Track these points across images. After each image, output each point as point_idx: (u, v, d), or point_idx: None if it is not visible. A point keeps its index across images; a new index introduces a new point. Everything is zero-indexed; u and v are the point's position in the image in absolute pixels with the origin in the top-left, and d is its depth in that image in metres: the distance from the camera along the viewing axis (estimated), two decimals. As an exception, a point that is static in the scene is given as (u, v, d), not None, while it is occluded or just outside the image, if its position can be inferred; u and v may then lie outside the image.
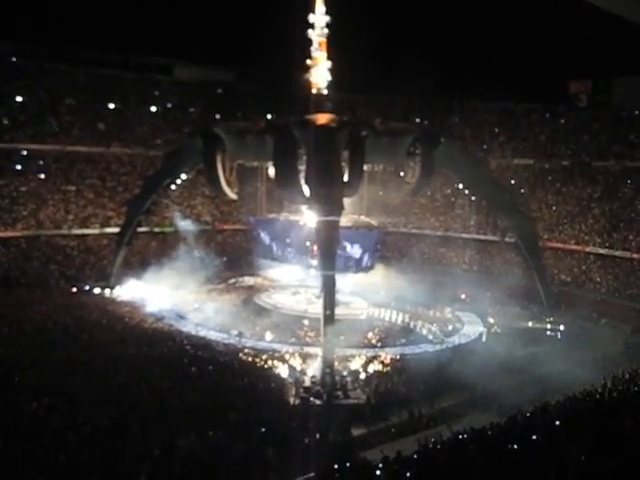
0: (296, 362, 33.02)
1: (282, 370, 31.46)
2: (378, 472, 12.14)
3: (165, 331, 38.81)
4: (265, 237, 41.77)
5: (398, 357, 35.12)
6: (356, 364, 32.97)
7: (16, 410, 22.27)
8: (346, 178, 36.33)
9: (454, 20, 67.43)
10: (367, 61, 60.90)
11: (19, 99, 60.09)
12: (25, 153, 57.96)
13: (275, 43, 50.23)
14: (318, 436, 23.49)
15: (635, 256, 51.82)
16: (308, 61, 43.32)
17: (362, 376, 31.31)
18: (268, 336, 38.24)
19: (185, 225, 54.38)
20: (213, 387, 27.31)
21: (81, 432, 20.47)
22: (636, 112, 62.95)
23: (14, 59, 62.61)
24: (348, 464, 13.80)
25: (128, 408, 23.57)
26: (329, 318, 32.46)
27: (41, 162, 58.34)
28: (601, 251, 54.29)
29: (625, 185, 58.85)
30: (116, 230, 53.02)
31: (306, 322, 40.51)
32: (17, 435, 19.61)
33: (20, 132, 58.33)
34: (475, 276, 54.54)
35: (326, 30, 43.06)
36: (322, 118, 37.53)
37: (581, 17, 38.59)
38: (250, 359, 33.51)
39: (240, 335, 38.04)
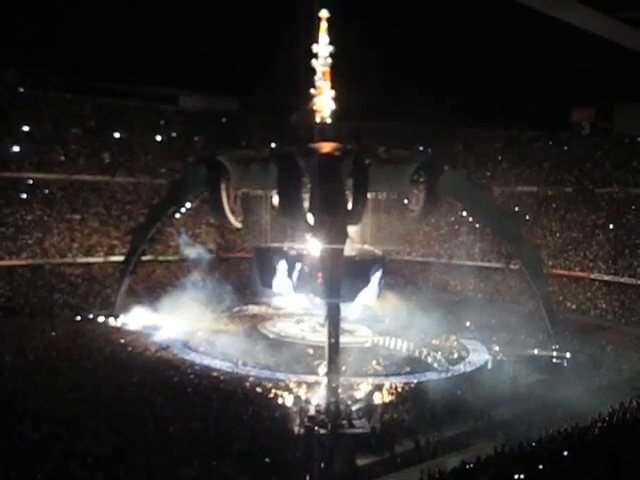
0: (300, 391, 32.80)
1: (286, 399, 31.23)
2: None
3: (169, 360, 38.64)
4: (270, 266, 41.65)
5: (403, 386, 34.87)
6: (361, 393, 32.75)
7: (18, 437, 22.18)
8: (350, 206, 36.38)
9: (458, 49, 68.05)
10: (371, 89, 61.28)
11: (26, 128, 60.54)
12: (31, 182, 58.28)
13: (279, 72, 50.73)
14: (323, 466, 23.27)
15: (640, 282, 51.72)
16: (312, 90, 43.68)
17: (367, 405, 31.05)
18: (272, 365, 38.02)
19: (193, 253, 54.48)
20: (217, 416, 27.15)
21: (83, 460, 20.35)
22: (638, 139, 63.22)
23: (21, 89, 63.26)
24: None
25: (131, 437, 23.44)
26: (334, 346, 32.33)
27: (46, 191, 58.61)
28: (606, 278, 54.19)
29: (629, 211, 58.90)
30: (121, 258, 53.05)
31: (311, 351, 40.30)
32: (18, 462, 19.51)
33: (26, 161, 58.69)
34: (480, 303, 54.35)
35: (330, 60, 43.52)
36: (326, 146, 37.69)
37: (583, 45, 38.84)
38: (254, 388, 33.30)
39: (236, 363, 37.89)
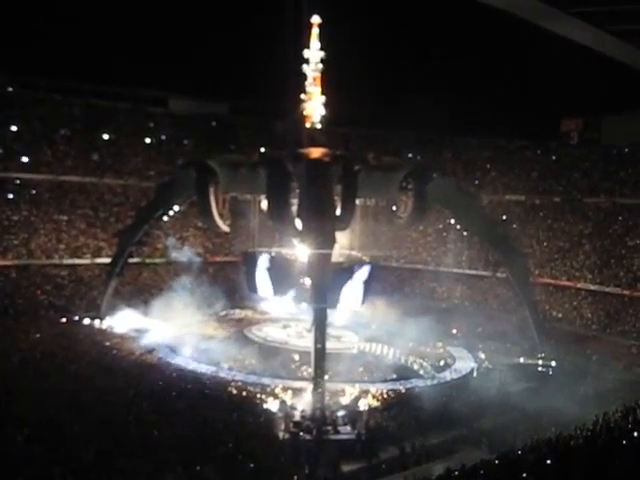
0: (286, 396, 32.72)
1: (272, 404, 31.16)
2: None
3: (154, 363, 38.49)
4: (257, 271, 41.58)
5: (389, 392, 34.87)
6: (346, 399, 32.70)
7: (0, 440, 21.98)
8: (338, 212, 36.41)
9: (448, 58, 68.32)
10: (361, 96, 61.49)
11: (14, 128, 60.22)
12: (18, 182, 57.94)
13: (269, 77, 50.73)
14: (307, 471, 23.23)
15: (626, 292, 52.01)
16: (302, 95, 43.72)
17: (352, 411, 31.01)
18: (258, 370, 37.95)
19: (181, 256, 54.38)
20: (202, 421, 27.04)
21: (66, 465, 20.19)
22: (626, 150, 63.66)
23: (10, 89, 62.90)
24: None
25: (115, 441, 23.30)
26: (320, 352, 32.31)
27: (33, 191, 58.30)
28: (592, 287, 54.49)
29: (616, 222, 59.28)
30: (107, 260, 52.80)
31: (296, 356, 40.26)
32: (1, 466, 19.32)
33: (13, 161, 58.37)
34: (467, 311, 54.53)
35: (320, 65, 43.60)
36: (315, 152, 37.72)
37: (572, 57, 39.17)
38: (240, 393, 33.21)
39: (222, 367, 37.83)
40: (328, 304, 33.82)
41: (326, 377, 32.81)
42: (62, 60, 62.60)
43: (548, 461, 13.60)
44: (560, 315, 54.21)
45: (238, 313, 53.97)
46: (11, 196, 57.04)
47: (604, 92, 60.34)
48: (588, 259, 57.18)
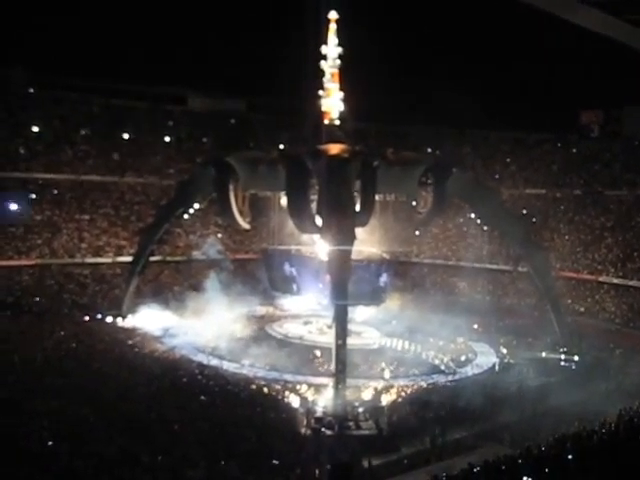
0: (307, 392, 32.81)
1: (293, 400, 31.25)
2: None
3: (176, 360, 38.72)
4: (279, 268, 41.67)
5: (410, 388, 34.84)
6: (368, 394, 32.72)
7: (25, 437, 22.26)
8: (358, 208, 36.39)
9: (467, 51, 67.95)
10: (379, 92, 61.23)
11: (35, 129, 60.79)
12: (40, 182, 58.49)
13: (288, 74, 50.72)
14: (329, 467, 23.26)
15: (649, 286, 51.45)
16: (321, 92, 43.68)
17: (374, 407, 31.02)
18: (280, 366, 38.03)
19: (202, 254, 54.72)
20: (224, 417, 27.18)
21: (89, 461, 20.40)
22: (648, 141, 62.90)
23: (31, 90, 63.48)
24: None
25: (137, 437, 23.50)
26: (341, 348, 32.34)
27: (55, 191, 58.83)
28: (615, 281, 53.92)
29: (638, 214, 58.58)
30: (129, 259, 53.14)
31: (318, 352, 40.31)
32: (26, 462, 19.58)
33: (35, 161, 58.95)
34: (488, 306, 54.21)
35: (338, 61, 43.51)
36: (334, 148, 37.70)
37: (591, 48, 38.79)
38: (261, 389, 33.33)
39: (244, 364, 37.97)
40: (352, 300, 33.85)
41: (347, 373, 32.83)
42: (81, 59, 63.04)
43: (570, 456, 13.51)
44: (582, 309, 53.74)
45: (259, 310, 54.09)
46: (34, 196, 57.62)
47: (625, 83, 59.64)
48: (610, 252, 56.62)
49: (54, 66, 61.48)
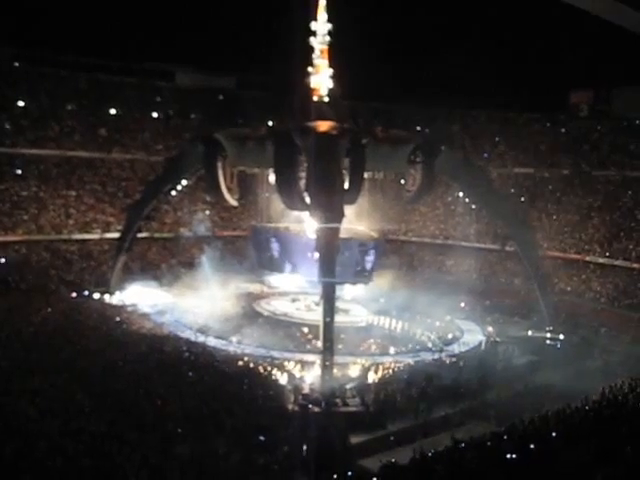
0: (295, 369, 32.91)
1: (281, 377, 31.36)
2: (376, 480, 12.14)
3: (163, 337, 38.67)
4: (267, 245, 41.61)
5: (397, 365, 35.03)
6: (355, 372, 32.88)
7: (13, 414, 22.24)
8: (347, 185, 36.33)
9: (456, 30, 67.66)
10: (368, 69, 60.97)
11: (21, 104, 60.15)
12: (26, 158, 57.98)
13: (277, 50, 50.36)
14: (316, 443, 23.43)
15: (635, 266, 51.83)
16: (310, 68, 43.36)
17: (361, 384, 31.19)
18: (267, 343, 38.11)
19: (193, 230, 54.58)
20: (211, 393, 27.25)
21: (78, 437, 20.43)
22: (636, 122, 63.10)
23: (16, 64, 62.76)
24: (349, 473, 13.80)
25: (125, 414, 23.53)
26: (329, 325, 32.44)
27: (42, 167, 58.36)
28: (601, 260, 54.31)
29: (625, 195, 58.94)
30: (116, 235, 52.92)
31: (305, 329, 40.42)
32: (13, 438, 19.58)
33: (21, 137, 58.40)
34: (475, 284, 54.50)
35: (328, 38, 43.12)
36: (323, 125, 37.52)
37: (582, 27, 38.73)
38: (249, 366, 33.39)
39: (231, 341, 38.02)
40: (339, 278, 33.86)
41: (335, 350, 32.96)
42: (68, 34, 62.34)
43: (554, 433, 13.67)
44: (569, 288, 54.07)
45: (247, 287, 54.09)
46: (20, 172, 57.14)
47: (615, 63, 59.66)
48: (597, 232, 56.96)
49: (40, 41, 60.85)
